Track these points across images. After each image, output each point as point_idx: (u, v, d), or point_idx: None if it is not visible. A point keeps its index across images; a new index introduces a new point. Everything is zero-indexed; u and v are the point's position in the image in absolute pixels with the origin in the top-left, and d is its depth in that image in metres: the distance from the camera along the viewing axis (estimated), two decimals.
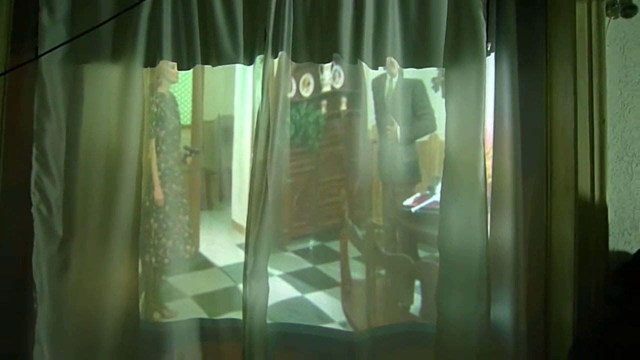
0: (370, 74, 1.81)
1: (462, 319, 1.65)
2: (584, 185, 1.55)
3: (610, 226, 1.55)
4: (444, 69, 1.74)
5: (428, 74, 1.94)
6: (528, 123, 1.74)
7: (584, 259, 1.54)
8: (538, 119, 1.73)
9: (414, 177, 1.97)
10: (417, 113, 1.94)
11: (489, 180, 1.73)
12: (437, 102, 1.91)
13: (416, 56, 1.76)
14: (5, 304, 1.73)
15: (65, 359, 1.71)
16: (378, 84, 1.88)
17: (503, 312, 1.72)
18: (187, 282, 1.96)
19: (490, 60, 1.76)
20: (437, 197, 1.90)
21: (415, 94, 1.91)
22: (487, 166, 1.68)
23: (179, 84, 2.00)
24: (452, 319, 1.67)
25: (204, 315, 1.89)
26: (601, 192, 1.55)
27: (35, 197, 1.71)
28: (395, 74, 1.86)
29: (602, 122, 1.56)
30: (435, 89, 2.00)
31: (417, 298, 1.91)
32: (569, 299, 1.55)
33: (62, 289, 1.73)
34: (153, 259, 1.95)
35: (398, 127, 1.88)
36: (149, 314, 1.92)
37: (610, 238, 1.55)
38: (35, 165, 1.71)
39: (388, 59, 1.74)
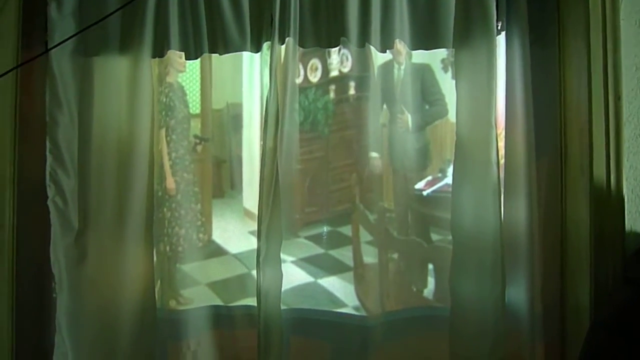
0: (378, 57, 1.79)
1: (477, 302, 1.65)
2: (599, 164, 1.53)
3: (627, 205, 1.52)
4: (453, 49, 1.71)
5: (437, 56, 1.91)
6: (541, 102, 1.71)
7: (600, 240, 1.52)
8: (551, 97, 1.70)
9: (424, 162, 1.96)
10: (429, 99, 1.92)
11: (502, 161, 1.71)
12: (447, 83, 1.88)
13: (425, 37, 1.74)
14: (26, 294, 1.77)
15: (85, 347, 1.75)
16: (385, 71, 1.85)
17: (518, 295, 1.72)
18: (201, 269, 1.98)
19: (501, 39, 1.73)
20: (448, 179, 1.88)
21: (424, 80, 1.89)
22: (499, 147, 1.66)
23: (187, 73, 2.00)
24: (466, 302, 1.67)
25: (219, 302, 1.91)
26: (617, 171, 1.52)
27: (50, 190, 1.73)
28: (402, 62, 1.84)
29: (618, 98, 1.52)
30: (445, 70, 1.97)
31: (431, 282, 1.91)
32: (586, 280, 1.53)
33: (80, 279, 1.76)
34: (167, 248, 1.97)
35: (409, 116, 1.87)
36: (165, 301, 1.95)
37: (627, 217, 1.53)
38: (49, 158, 1.73)
39: (396, 41, 1.72)
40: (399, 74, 1.85)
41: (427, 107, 1.92)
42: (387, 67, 1.85)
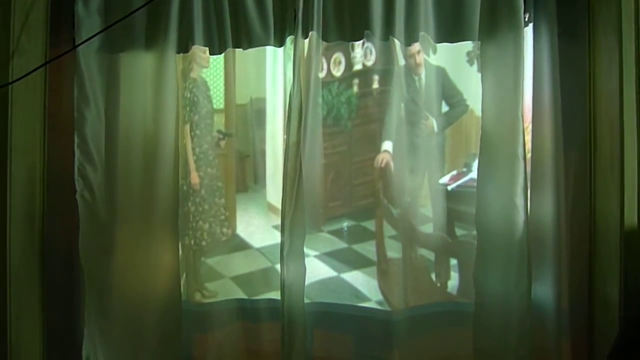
0: (401, 51, 1.78)
1: (502, 297, 1.63)
2: (630, 158, 1.49)
3: None
4: (479, 42, 1.69)
5: (462, 48, 1.88)
6: (569, 95, 1.68)
7: (631, 235, 1.48)
8: (580, 91, 1.66)
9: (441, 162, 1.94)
10: (450, 102, 1.91)
11: (528, 155, 1.68)
12: (472, 76, 1.86)
13: (450, 30, 1.72)
14: (56, 287, 1.81)
15: (114, 338, 1.79)
16: (403, 81, 1.82)
17: (545, 291, 1.69)
18: (226, 263, 2.00)
19: (528, 31, 1.69)
20: (473, 174, 1.86)
21: (443, 85, 1.87)
22: (526, 141, 1.64)
23: (210, 68, 2.01)
24: (491, 297, 1.66)
25: (243, 296, 1.93)
26: None
27: (79, 184, 1.77)
28: (421, 72, 1.83)
29: None
30: (470, 62, 1.94)
31: (455, 277, 1.90)
32: (615, 276, 1.51)
33: (108, 272, 1.80)
34: (192, 242, 2.00)
35: (433, 120, 1.86)
36: (190, 294, 1.97)
37: None
38: (77, 153, 1.77)
39: (421, 34, 1.70)
40: (420, 82, 1.85)
41: (447, 108, 1.91)
42: (405, 76, 1.83)
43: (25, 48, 1.69)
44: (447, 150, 1.96)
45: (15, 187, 1.69)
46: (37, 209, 1.76)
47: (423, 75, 1.85)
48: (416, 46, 1.78)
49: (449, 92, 1.89)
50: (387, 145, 1.89)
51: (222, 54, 1.81)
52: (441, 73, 1.87)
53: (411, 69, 1.83)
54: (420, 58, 1.84)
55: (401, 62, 1.79)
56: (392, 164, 1.87)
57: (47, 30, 1.74)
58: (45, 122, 1.78)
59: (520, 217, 1.62)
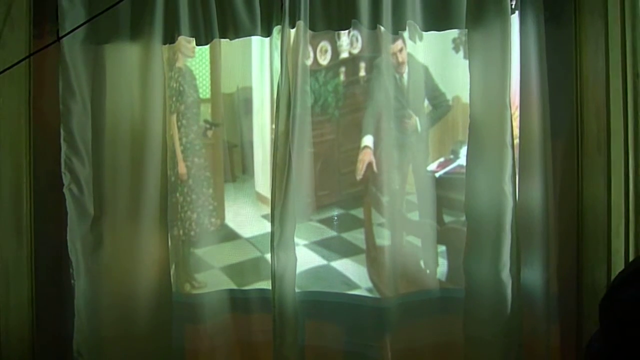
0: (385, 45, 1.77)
1: (491, 283, 1.65)
2: (617, 144, 1.51)
3: None
4: (466, 30, 1.68)
5: (448, 36, 1.87)
6: (556, 81, 1.69)
7: (618, 220, 1.51)
8: (567, 76, 1.68)
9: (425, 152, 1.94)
10: (433, 102, 1.90)
11: (516, 141, 1.69)
12: (459, 63, 1.86)
13: (437, 18, 1.73)
14: (45, 281, 1.80)
15: (103, 330, 1.79)
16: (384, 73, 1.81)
17: (534, 276, 1.72)
18: (215, 253, 1.99)
19: (514, 18, 1.70)
20: (461, 161, 1.87)
21: (426, 84, 1.85)
22: (513, 127, 1.65)
23: (196, 57, 1.99)
24: (480, 283, 1.68)
25: (233, 286, 1.93)
26: (635, 150, 1.51)
27: (66, 177, 1.75)
28: (404, 70, 1.82)
29: (636, 76, 1.50)
30: (456, 50, 1.93)
31: (443, 263, 1.91)
32: (603, 261, 1.53)
33: (97, 264, 1.79)
34: (181, 232, 1.99)
35: (417, 119, 1.85)
36: (180, 285, 1.97)
37: None
38: (64, 146, 1.75)
39: (409, 22, 1.70)
40: (402, 80, 1.84)
41: (431, 109, 1.90)
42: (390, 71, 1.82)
43: (8, 40, 1.66)
44: (433, 137, 1.96)
45: (1, 182, 1.68)
46: (24, 203, 1.74)
47: (405, 75, 1.85)
48: (399, 44, 1.78)
49: (432, 93, 1.88)
50: (368, 140, 1.88)
51: (208, 45, 1.79)
52: (424, 72, 1.86)
53: (394, 67, 1.82)
54: (403, 56, 1.84)
55: (385, 52, 1.78)
56: (374, 160, 1.87)
57: (30, 21, 1.71)
58: (30, 115, 1.75)
59: (509, 204, 1.64)
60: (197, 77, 2.03)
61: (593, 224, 1.60)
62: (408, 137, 1.85)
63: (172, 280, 1.84)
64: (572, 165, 1.68)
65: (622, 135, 1.51)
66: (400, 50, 1.82)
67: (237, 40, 1.78)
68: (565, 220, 1.70)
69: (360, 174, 1.89)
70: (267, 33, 1.74)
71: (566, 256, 1.70)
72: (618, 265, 1.50)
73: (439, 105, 1.90)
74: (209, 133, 2.04)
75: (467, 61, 1.71)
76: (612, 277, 1.48)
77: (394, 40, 1.77)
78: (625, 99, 1.50)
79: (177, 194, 1.99)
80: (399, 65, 1.83)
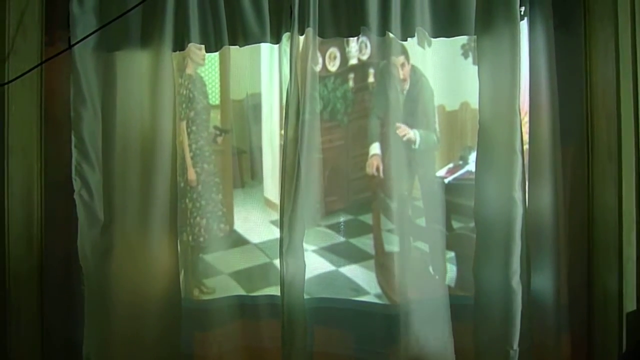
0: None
1: (501, 290, 1.64)
2: (627, 150, 1.50)
3: None
4: (475, 36, 1.68)
5: (457, 42, 1.87)
6: (566, 87, 1.68)
7: (629, 228, 1.49)
8: (577, 83, 1.67)
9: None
10: (425, 131, 1.84)
11: (526, 147, 1.69)
12: (469, 69, 1.85)
13: (446, 25, 1.73)
14: (54, 287, 1.81)
15: (113, 337, 1.79)
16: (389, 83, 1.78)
17: (544, 283, 1.71)
18: (224, 259, 2.00)
19: (524, 24, 1.69)
20: (470, 167, 1.87)
21: (423, 109, 1.82)
22: (523, 133, 1.64)
23: (206, 64, 2.01)
24: (490, 290, 1.67)
25: (241, 292, 1.93)
26: None
27: (76, 183, 1.77)
28: (405, 86, 1.81)
29: None
30: (465, 55, 1.93)
31: (452, 270, 1.90)
32: (614, 269, 1.52)
33: (106, 270, 1.80)
34: (190, 238, 2.00)
35: (418, 136, 1.83)
36: (189, 290, 1.98)
37: None
38: (74, 152, 1.77)
39: (418, 28, 1.70)
40: (402, 96, 1.82)
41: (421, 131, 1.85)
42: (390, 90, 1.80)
43: (21, 48, 1.69)
44: (442, 143, 1.95)
45: (13, 188, 1.70)
46: (35, 209, 1.76)
47: (406, 92, 1.83)
48: (400, 59, 1.77)
49: (427, 119, 1.83)
50: (376, 149, 1.88)
51: (218, 52, 1.80)
52: (428, 92, 1.82)
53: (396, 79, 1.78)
54: (406, 72, 1.83)
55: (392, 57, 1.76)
56: (382, 166, 1.86)
57: (43, 29, 1.74)
58: (42, 122, 1.77)
59: (519, 210, 1.63)
60: (206, 83, 2.04)
61: (604, 232, 1.59)
62: (411, 146, 1.84)
63: (181, 285, 1.85)
64: (582, 172, 1.67)
65: (634, 142, 1.50)
66: (402, 64, 1.80)
67: (246, 47, 1.79)
68: (576, 228, 1.69)
69: (372, 171, 1.87)
70: (277, 40, 1.76)
71: (577, 264, 1.69)
72: (630, 274, 1.48)
73: (428, 137, 1.85)
74: (219, 139, 2.05)
75: (476, 67, 1.70)
76: (624, 285, 1.48)
77: (397, 54, 1.75)
78: (637, 105, 1.49)
79: (187, 200, 2.00)
80: (401, 81, 1.82)
